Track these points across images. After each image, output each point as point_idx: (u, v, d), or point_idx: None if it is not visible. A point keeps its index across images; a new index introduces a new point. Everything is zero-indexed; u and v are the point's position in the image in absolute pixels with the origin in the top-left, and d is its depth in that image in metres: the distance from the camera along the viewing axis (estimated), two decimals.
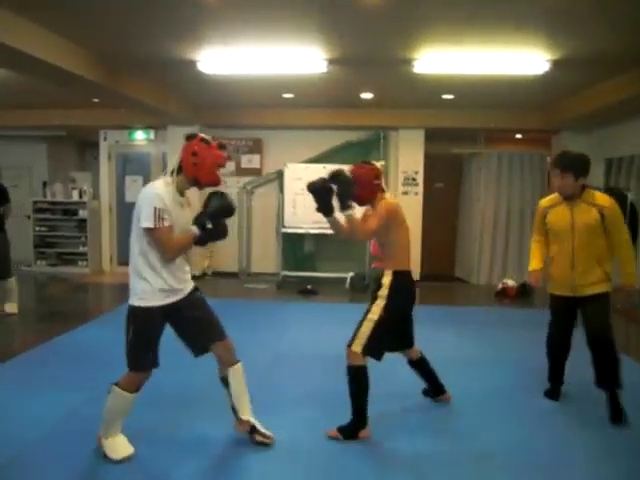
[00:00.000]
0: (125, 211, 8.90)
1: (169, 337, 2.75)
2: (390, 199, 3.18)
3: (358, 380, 3.00)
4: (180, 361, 2.99)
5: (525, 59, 4.91)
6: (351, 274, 7.64)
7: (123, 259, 8.98)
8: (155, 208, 2.51)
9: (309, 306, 6.57)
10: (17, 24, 4.10)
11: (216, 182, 2.71)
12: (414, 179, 8.19)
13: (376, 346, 3.02)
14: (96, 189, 8.95)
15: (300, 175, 7.78)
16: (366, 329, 3.02)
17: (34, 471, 2.60)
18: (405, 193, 8.22)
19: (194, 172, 2.63)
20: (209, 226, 2.63)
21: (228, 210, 2.70)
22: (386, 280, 3.11)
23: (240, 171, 8.47)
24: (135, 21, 4.23)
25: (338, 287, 7.56)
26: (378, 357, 3.07)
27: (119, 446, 2.70)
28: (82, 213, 8.69)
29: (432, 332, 5.30)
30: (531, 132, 8.35)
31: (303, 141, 8.25)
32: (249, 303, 6.68)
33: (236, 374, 2.85)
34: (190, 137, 2.69)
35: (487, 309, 6.67)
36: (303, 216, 7.75)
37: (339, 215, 3.00)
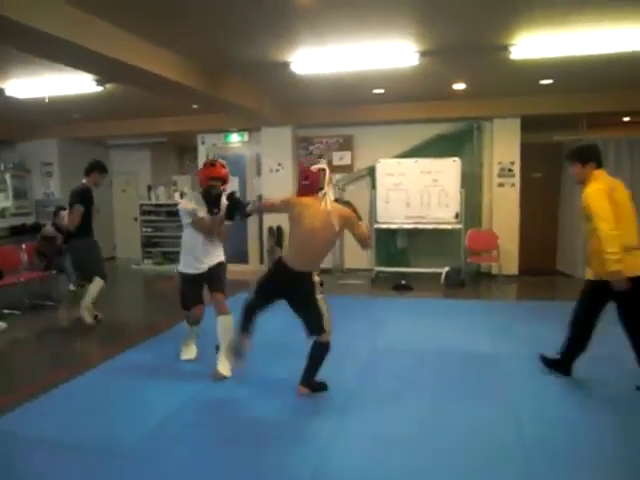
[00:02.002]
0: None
1: None
2: (303, 197, 3.41)
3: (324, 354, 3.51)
4: None
5: (636, 34, 4.57)
6: (446, 269, 7.49)
7: None
8: (180, 209, 4.04)
9: (404, 301, 6.52)
10: (127, 40, 4.45)
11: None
12: (510, 170, 7.89)
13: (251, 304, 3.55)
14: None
15: (392, 170, 7.76)
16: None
17: (165, 449, 2.82)
18: (501, 185, 7.94)
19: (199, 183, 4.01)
20: (215, 210, 3.87)
21: (213, 197, 3.89)
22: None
23: (332, 168, 8.49)
24: (231, 27, 4.42)
25: (433, 282, 7.45)
26: (250, 311, 3.52)
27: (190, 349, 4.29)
28: None
29: (535, 328, 5.12)
30: None
31: (394, 136, 8.20)
32: (344, 298, 6.75)
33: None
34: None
35: None
36: (396, 211, 7.71)
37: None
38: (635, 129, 8.50)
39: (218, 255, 4.09)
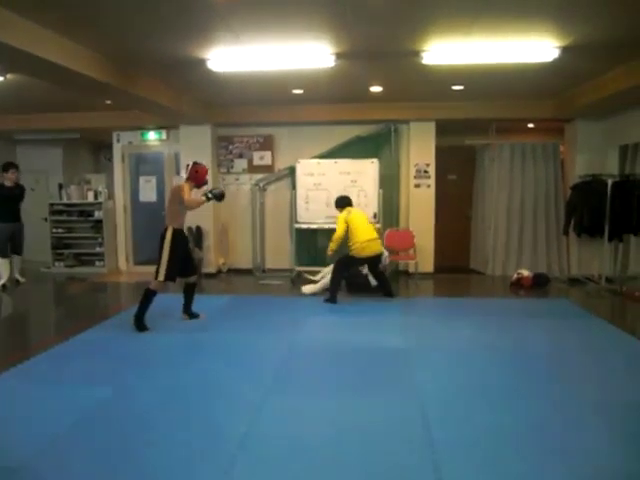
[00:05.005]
0: (140, 211, 9.01)
1: None
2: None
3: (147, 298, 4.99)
4: None
5: (534, 47, 4.88)
6: (366, 269, 7.63)
7: (139, 259, 9.09)
8: None
9: (322, 301, 6.58)
10: (28, 28, 4.18)
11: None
12: (426, 171, 8.18)
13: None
14: (110, 190, 9.06)
15: (312, 171, 7.82)
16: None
17: (67, 459, 2.67)
18: (417, 186, 8.21)
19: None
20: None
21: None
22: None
23: (252, 168, 8.52)
24: (143, 21, 4.28)
25: None
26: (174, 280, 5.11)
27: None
28: (97, 214, 8.81)
29: (449, 324, 5.35)
30: (543, 121, 8.27)
31: (314, 137, 8.27)
32: (264, 299, 6.74)
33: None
34: None
35: (502, 300, 6.64)
36: (316, 212, 7.78)
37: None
38: (538, 135, 9.09)
39: None
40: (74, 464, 2.65)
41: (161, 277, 4.93)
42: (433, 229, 8.18)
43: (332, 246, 6.30)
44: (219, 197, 5.30)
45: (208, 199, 5.19)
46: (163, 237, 4.99)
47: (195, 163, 5.23)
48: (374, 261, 6.44)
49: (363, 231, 6.28)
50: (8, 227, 7.42)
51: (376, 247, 6.35)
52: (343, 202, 6.58)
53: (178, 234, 5.05)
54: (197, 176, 5.16)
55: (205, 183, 5.35)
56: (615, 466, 2.61)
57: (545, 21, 4.29)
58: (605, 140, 7.69)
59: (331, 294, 6.27)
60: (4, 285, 7.39)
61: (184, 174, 5.21)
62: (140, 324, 4.98)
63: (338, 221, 6.38)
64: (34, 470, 2.60)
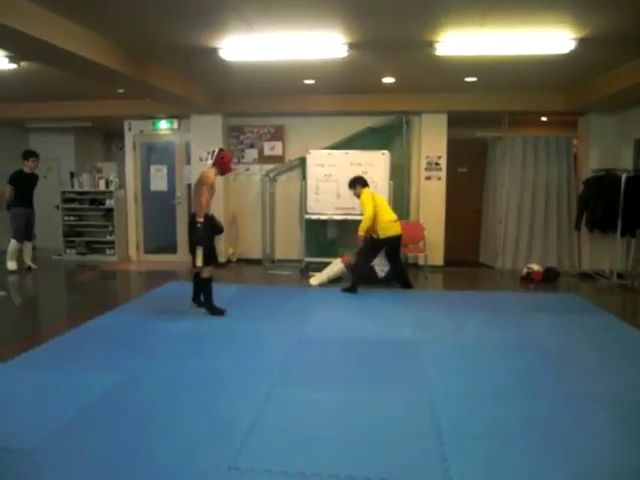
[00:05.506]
0: (150, 200, 9.04)
1: None
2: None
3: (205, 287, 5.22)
4: None
5: (550, 38, 4.81)
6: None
7: (149, 247, 9.13)
8: None
9: (332, 292, 6.58)
10: (41, 16, 4.18)
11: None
12: (437, 164, 8.12)
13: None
14: (122, 179, 9.10)
15: (322, 162, 7.80)
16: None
17: (72, 447, 2.70)
18: (428, 178, 8.16)
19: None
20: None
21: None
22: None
23: (263, 158, 8.51)
24: (156, 10, 4.27)
25: None
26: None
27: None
28: (109, 202, 8.85)
29: (458, 317, 5.33)
30: (557, 114, 8.17)
31: (325, 127, 8.24)
32: (273, 289, 6.76)
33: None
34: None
35: (512, 294, 6.61)
36: (326, 202, 7.77)
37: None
38: (551, 128, 8.99)
39: None
40: (79, 451, 2.67)
41: (199, 262, 4.96)
42: (443, 222, 8.14)
43: (363, 228, 6.19)
44: (216, 226, 5.25)
45: (205, 218, 4.98)
46: (191, 224, 5.04)
47: (221, 149, 5.27)
48: (396, 244, 6.49)
49: (386, 212, 6.42)
50: (24, 212, 7.68)
51: (399, 228, 6.45)
52: (362, 180, 6.51)
53: (206, 218, 5.04)
54: (223, 162, 5.20)
55: (230, 170, 5.45)
56: (618, 465, 2.60)
57: (560, 12, 4.22)
58: (619, 134, 7.59)
59: (354, 283, 6.36)
60: (29, 267, 7.80)
61: (210, 160, 5.17)
62: (214, 310, 5.19)
63: (365, 201, 6.26)
64: (39, 456, 2.62)
